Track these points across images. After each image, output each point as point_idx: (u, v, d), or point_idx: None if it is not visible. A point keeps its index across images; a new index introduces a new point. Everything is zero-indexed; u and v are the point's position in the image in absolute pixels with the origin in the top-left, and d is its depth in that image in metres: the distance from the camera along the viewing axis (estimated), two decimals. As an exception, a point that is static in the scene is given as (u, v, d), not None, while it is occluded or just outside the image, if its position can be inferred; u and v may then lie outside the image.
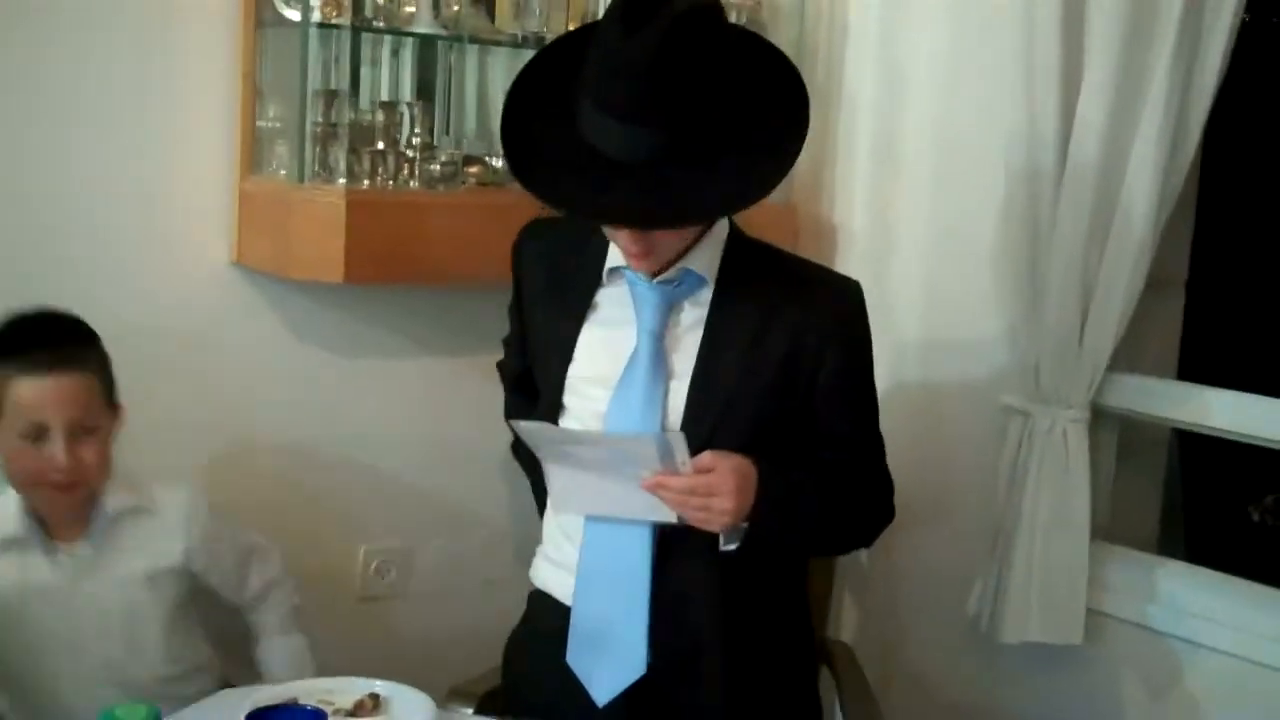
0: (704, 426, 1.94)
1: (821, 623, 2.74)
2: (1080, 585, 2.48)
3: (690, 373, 1.98)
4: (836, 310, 2.03)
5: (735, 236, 2.05)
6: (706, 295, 2.01)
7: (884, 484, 2.12)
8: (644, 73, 1.79)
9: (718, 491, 1.87)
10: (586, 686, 2.01)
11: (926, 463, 2.77)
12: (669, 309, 2.00)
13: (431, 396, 2.63)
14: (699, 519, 1.89)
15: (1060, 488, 2.47)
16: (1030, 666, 2.60)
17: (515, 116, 1.95)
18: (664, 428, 1.95)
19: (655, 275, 1.99)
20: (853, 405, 2.06)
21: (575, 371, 2.04)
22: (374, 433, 2.61)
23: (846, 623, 2.92)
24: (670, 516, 1.91)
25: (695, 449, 1.89)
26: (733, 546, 1.93)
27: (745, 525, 1.91)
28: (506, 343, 2.30)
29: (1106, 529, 2.62)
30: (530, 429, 1.95)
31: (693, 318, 2.01)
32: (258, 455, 2.52)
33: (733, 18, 2.71)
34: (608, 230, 1.98)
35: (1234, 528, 2.78)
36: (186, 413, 2.44)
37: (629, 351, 1.99)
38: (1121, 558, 2.57)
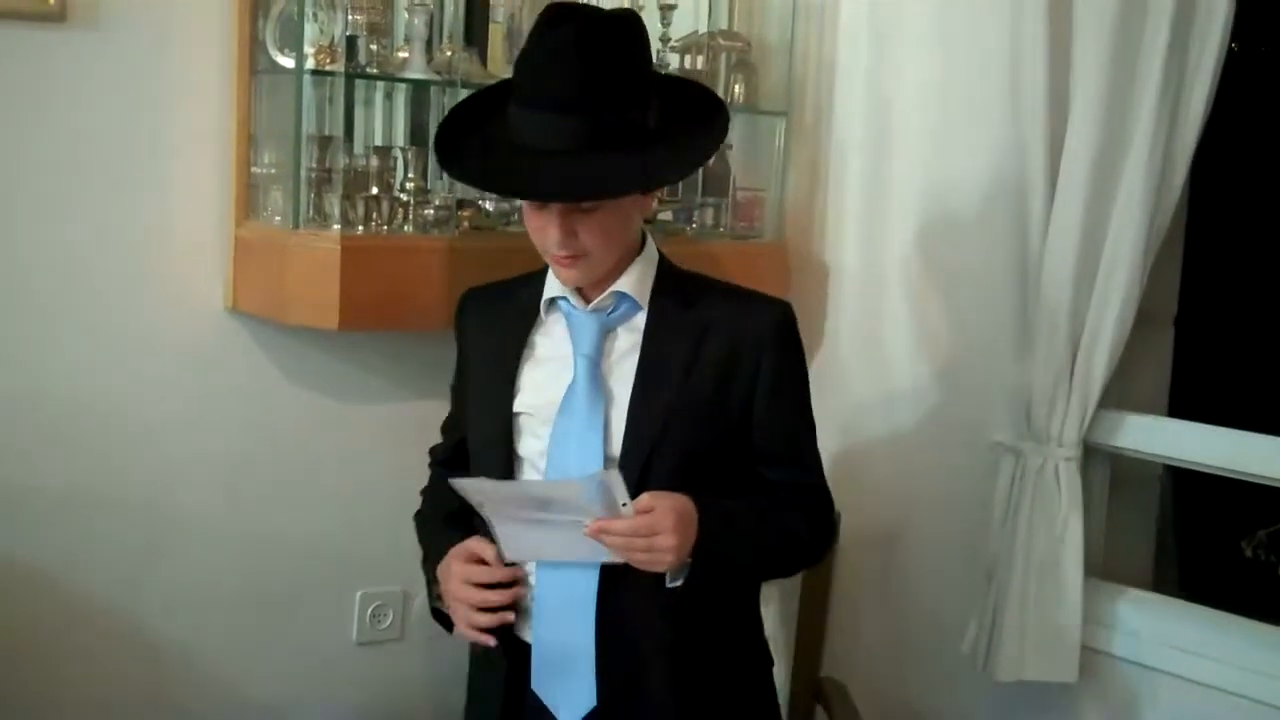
0: (643, 450, 2.00)
1: (816, 661, 2.75)
2: (1074, 623, 2.48)
3: (628, 397, 2.02)
4: (769, 327, 2.07)
5: (665, 265, 2.11)
6: (640, 320, 2.07)
7: (822, 502, 2.15)
8: (564, 62, 1.90)
9: (659, 530, 1.90)
10: (555, 713, 2.04)
11: (918, 500, 2.79)
12: (604, 335, 2.05)
13: (426, 440, 2.62)
14: (643, 560, 1.93)
15: (1053, 525, 2.47)
16: (1026, 704, 2.60)
17: (452, 126, 2.08)
18: (605, 454, 2.00)
19: (589, 301, 2.05)
20: (788, 421, 2.10)
21: (516, 407, 2.08)
22: (369, 477, 2.61)
23: (841, 661, 2.92)
24: (617, 558, 1.94)
25: (635, 472, 1.95)
26: (678, 584, 1.96)
27: (689, 562, 1.94)
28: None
29: (1100, 566, 2.62)
30: (467, 485, 1.98)
31: (628, 343, 2.06)
32: (252, 500, 2.53)
33: (722, 59, 2.75)
34: (536, 235, 2.02)
35: (1227, 563, 2.79)
36: (182, 457, 2.45)
37: (567, 385, 2.03)
38: (1116, 595, 2.57)
